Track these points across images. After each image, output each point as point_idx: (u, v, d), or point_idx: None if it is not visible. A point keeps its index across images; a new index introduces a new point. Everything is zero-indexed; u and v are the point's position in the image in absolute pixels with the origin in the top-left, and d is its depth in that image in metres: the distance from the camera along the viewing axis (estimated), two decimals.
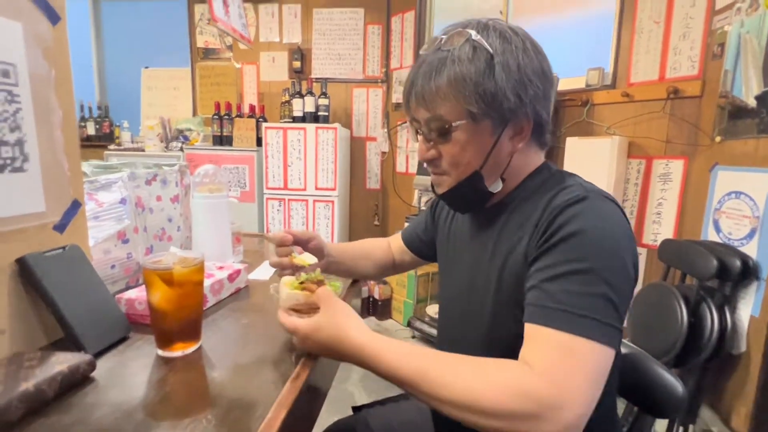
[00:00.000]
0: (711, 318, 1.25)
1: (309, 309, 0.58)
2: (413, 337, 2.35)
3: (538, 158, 0.64)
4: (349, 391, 1.87)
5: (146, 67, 3.13)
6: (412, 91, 0.58)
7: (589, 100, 1.80)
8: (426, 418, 0.78)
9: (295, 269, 0.70)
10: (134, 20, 3.19)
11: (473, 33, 0.54)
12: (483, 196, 0.62)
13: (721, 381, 1.33)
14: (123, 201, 0.78)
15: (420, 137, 0.61)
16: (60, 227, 0.59)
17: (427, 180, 2.32)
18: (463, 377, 0.46)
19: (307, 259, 0.70)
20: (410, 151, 2.87)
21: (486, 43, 0.54)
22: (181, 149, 2.70)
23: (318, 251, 0.78)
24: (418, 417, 0.82)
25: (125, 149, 2.86)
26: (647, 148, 1.67)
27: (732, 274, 1.23)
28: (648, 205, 1.67)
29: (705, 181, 1.45)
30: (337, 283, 0.62)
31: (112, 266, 0.75)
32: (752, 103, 1.31)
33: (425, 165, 0.64)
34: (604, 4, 1.88)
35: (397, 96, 2.94)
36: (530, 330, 0.50)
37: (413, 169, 2.76)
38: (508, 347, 0.56)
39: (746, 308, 1.25)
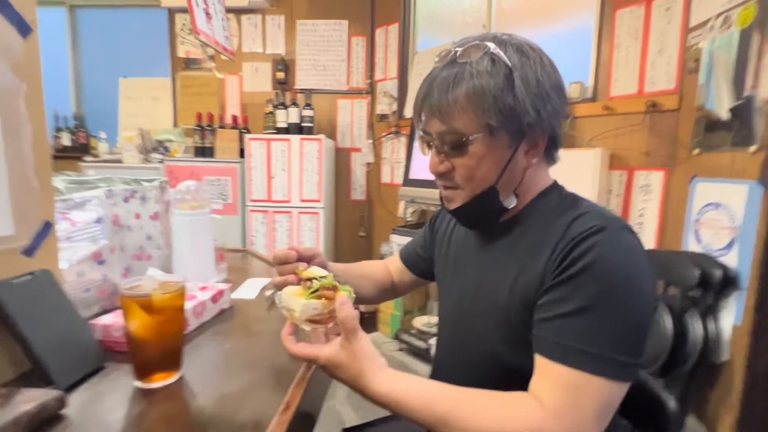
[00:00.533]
0: (695, 327, 1.27)
1: (329, 318, 0.54)
2: (400, 350, 2.32)
3: (548, 175, 0.63)
4: (336, 409, 1.83)
5: (125, 77, 3.06)
6: (426, 103, 0.57)
7: (571, 112, 1.84)
8: None
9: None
10: (112, 29, 3.12)
11: (492, 45, 0.54)
12: (497, 212, 0.61)
13: (706, 390, 1.35)
14: (99, 220, 0.74)
15: (432, 150, 0.60)
16: (29, 251, 0.55)
17: (413, 191, 2.31)
18: (482, 422, 0.48)
19: (316, 272, 0.64)
20: (395, 162, 2.87)
21: (505, 57, 0.53)
22: (161, 161, 2.63)
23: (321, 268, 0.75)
24: None
25: (102, 161, 2.77)
26: (628, 159, 1.70)
27: (714, 283, 1.25)
28: (630, 215, 1.70)
29: (684, 193, 1.48)
30: (348, 286, 0.57)
31: (87, 289, 0.71)
32: (726, 115, 1.35)
33: (436, 179, 0.62)
34: (583, 20, 1.93)
35: (382, 107, 2.95)
36: (543, 364, 0.50)
37: (399, 179, 2.75)
38: (511, 362, 0.57)
39: (729, 317, 1.27)
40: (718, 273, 1.24)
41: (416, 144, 2.34)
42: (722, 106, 1.36)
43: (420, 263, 0.86)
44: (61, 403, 0.46)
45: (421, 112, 0.58)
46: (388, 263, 0.92)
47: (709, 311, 1.29)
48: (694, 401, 1.37)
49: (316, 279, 0.57)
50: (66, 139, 2.96)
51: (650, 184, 1.64)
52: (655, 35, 1.62)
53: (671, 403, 0.67)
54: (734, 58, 1.31)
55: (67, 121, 3.00)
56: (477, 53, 0.54)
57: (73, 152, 2.93)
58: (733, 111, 1.32)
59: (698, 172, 1.44)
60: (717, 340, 1.28)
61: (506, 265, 0.59)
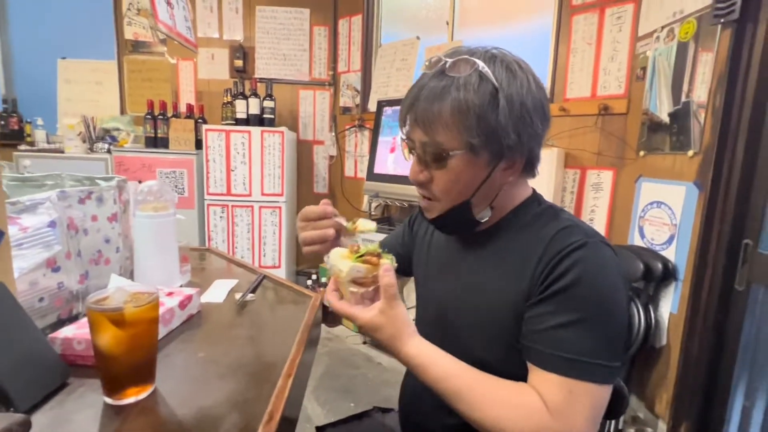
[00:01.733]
0: (638, 316, 1.38)
1: (371, 281, 0.58)
2: (364, 342, 2.35)
3: (526, 188, 0.66)
4: (302, 404, 1.82)
5: (63, 58, 2.81)
6: (411, 111, 0.57)
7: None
8: None
9: (348, 236, 0.69)
10: (49, 4, 2.85)
11: (481, 63, 0.54)
12: (472, 224, 0.63)
13: (646, 371, 1.48)
14: (52, 224, 0.69)
15: (414, 158, 0.61)
16: None
17: (377, 186, 2.32)
18: (492, 406, 0.53)
19: (368, 225, 0.67)
20: (359, 155, 2.86)
21: (493, 76, 0.54)
22: (109, 151, 2.46)
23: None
24: None
25: (40, 150, 2.55)
26: (581, 159, 1.81)
27: (655, 275, 1.37)
28: (583, 211, 1.81)
29: (631, 191, 1.60)
30: (391, 255, 0.61)
31: (41, 299, 0.66)
32: (666, 119, 1.46)
33: (415, 186, 0.64)
34: (542, 23, 2.01)
35: (345, 100, 2.92)
36: (537, 372, 0.54)
37: (362, 173, 2.75)
38: (493, 366, 0.59)
39: (666, 306, 1.40)
40: (659, 266, 1.36)
41: (381, 139, 2.34)
42: (663, 110, 1.48)
43: (399, 260, 0.86)
44: (26, 427, 0.43)
45: (407, 117, 0.59)
46: None
47: (651, 301, 1.42)
48: (635, 382, 1.51)
49: (367, 232, 0.66)
50: None
51: (601, 182, 1.75)
52: (608, 42, 1.72)
53: (624, 390, 0.73)
54: (673, 66, 1.43)
55: None
56: (465, 68, 0.54)
57: (5, 140, 2.67)
58: (673, 115, 1.44)
59: (643, 172, 1.56)
60: (656, 326, 1.41)
61: (490, 274, 0.62)
